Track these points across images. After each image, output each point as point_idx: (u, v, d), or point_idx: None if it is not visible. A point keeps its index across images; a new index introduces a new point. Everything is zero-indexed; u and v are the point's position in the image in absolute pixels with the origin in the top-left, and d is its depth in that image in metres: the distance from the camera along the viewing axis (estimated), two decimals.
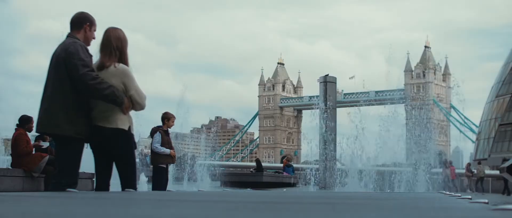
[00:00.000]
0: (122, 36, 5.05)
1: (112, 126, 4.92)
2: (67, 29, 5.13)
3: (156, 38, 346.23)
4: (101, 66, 4.91)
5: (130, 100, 4.95)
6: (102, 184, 5.16)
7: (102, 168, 5.18)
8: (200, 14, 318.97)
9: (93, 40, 5.13)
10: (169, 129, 9.99)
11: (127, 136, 5.01)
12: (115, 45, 4.96)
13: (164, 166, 9.87)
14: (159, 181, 9.75)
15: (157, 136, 9.72)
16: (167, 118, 9.89)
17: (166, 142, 9.75)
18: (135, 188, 5.15)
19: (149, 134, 10.31)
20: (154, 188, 9.78)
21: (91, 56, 5.01)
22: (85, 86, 4.77)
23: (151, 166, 10.42)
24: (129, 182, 5.14)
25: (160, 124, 9.88)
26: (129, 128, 5.01)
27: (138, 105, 5.02)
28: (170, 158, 9.85)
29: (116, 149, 5.03)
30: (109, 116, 4.91)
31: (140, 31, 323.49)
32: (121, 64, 4.95)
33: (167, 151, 9.72)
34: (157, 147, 9.68)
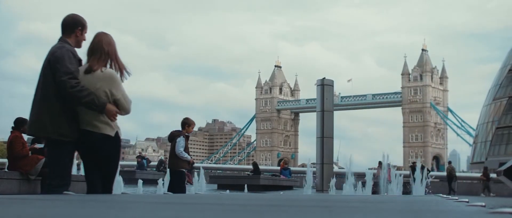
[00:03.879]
0: (113, 42, 5.05)
1: (100, 132, 4.91)
2: (57, 32, 5.16)
3: (149, 40, 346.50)
4: (89, 70, 4.91)
5: (116, 105, 4.95)
6: (93, 188, 5.13)
7: (92, 173, 5.14)
8: (193, 16, 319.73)
9: (83, 42, 5.16)
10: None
11: (113, 142, 5.01)
12: (106, 50, 4.95)
13: (184, 170, 10.04)
14: (178, 185, 9.85)
15: (182, 140, 9.86)
16: (187, 124, 10.02)
17: (186, 148, 9.92)
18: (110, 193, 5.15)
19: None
20: (174, 192, 9.81)
21: (80, 60, 5.04)
22: (65, 93, 4.84)
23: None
24: (105, 187, 5.12)
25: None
26: (117, 133, 5.01)
27: (123, 110, 5.02)
28: (188, 164, 10.05)
29: (101, 153, 5.01)
30: (97, 121, 4.91)
31: (132, 34, 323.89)
32: (108, 69, 4.94)
33: (189, 157, 9.96)
34: (182, 152, 9.83)
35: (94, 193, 5.08)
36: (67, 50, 4.93)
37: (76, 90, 4.78)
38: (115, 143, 5.03)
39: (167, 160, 10.47)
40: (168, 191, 10.03)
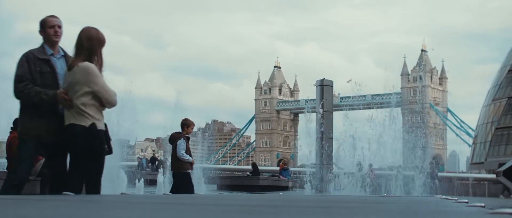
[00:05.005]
0: (95, 36, 4.99)
1: (78, 123, 4.85)
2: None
3: (146, 41, 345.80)
4: (70, 66, 4.97)
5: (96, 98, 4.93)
6: (76, 186, 4.97)
7: (71, 170, 5.00)
8: (191, 17, 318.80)
9: (54, 36, 5.14)
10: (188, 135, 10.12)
11: (89, 133, 4.86)
12: (85, 46, 4.94)
13: (188, 171, 10.00)
14: (182, 186, 9.83)
15: (182, 142, 9.82)
16: (187, 125, 10.00)
17: (187, 149, 9.88)
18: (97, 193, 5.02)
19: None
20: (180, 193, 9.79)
21: (43, 59, 5.04)
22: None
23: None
24: (89, 185, 5.03)
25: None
26: (93, 124, 4.87)
27: (107, 103, 4.99)
28: (190, 165, 10.02)
29: (74, 145, 4.91)
30: (72, 114, 4.88)
31: (130, 34, 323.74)
32: (84, 63, 4.89)
33: (191, 159, 9.92)
34: (183, 154, 9.80)
35: (77, 192, 4.89)
36: (23, 55, 5.06)
37: (23, 94, 4.96)
38: (91, 135, 4.87)
39: (167, 161, 10.45)
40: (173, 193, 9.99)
